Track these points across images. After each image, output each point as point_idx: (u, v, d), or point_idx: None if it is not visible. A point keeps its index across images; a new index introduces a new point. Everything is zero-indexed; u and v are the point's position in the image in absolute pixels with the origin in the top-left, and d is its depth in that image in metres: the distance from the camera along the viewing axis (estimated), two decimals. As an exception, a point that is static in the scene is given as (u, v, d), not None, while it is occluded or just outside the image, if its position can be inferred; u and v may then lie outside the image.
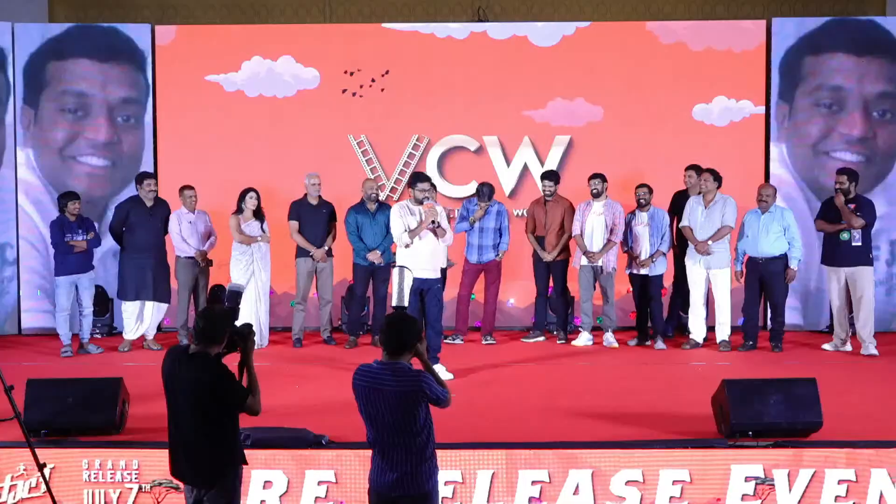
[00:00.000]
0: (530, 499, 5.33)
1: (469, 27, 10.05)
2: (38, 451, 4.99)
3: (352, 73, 9.94)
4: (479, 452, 5.41)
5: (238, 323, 4.30)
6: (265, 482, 5.38)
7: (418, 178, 7.64)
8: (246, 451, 4.41)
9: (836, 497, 5.33)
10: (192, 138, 10.02)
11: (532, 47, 9.99)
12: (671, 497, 5.34)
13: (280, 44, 10.04)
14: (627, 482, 5.35)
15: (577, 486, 5.34)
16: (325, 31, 10.22)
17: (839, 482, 5.32)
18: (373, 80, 9.94)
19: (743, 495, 5.33)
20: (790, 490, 5.33)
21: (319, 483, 5.36)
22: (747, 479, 5.33)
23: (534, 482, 5.34)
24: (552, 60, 9.95)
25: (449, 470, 5.26)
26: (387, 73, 9.93)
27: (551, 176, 9.14)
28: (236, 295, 4.43)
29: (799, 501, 5.33)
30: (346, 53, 10.01)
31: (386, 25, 10.12)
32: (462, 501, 5.34)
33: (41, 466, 4.96)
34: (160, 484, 5.38)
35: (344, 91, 9.96)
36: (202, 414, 4.10)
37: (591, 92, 9.99)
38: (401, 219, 7.50)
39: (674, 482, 5.34)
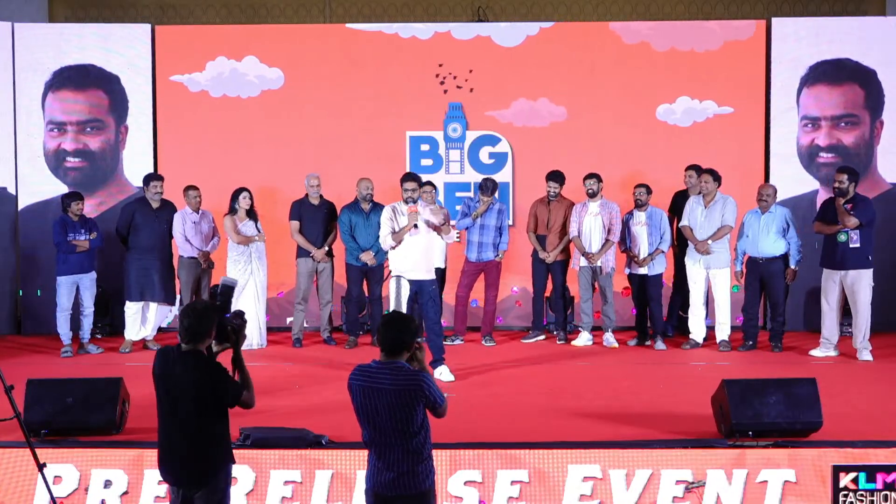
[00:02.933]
0: (674, 499, 5.34)
1: (433, 27, 10.05)
2: (38, 451, 4.99)
3: (442, 66, 9.98)
4: (480, 452, 5.42)
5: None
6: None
7: (405, 178, 7.61)
8: (246, 451, 4.42)
9: (674, 498, 5.32)
10: (190, 139, 10.02)
11: (496, 47, 10.00)
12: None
13: (244, 44, 10.02)
14: (633, 481, 5.35)
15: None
16: (290, 31, 10.18)
17: (677, 482, 5.33)
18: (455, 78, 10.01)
19: (581, 496, 5.33)
20: (627, 489, 5.34)
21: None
22: (585, 478, 5.35)
23: (678, 482, 5.36)
24: (516, 60, 9.97)
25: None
26: (470, 71, 9.97)
27: (556, 177, 9.12)
28: (229, 289, 4.41)
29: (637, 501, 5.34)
30: (311, 53, 10.00)
31: (350, 25, 10.13)
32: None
33: (41, 466, 4.97)
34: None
35: (444, 87, 9.97)
36: (197, 413, 4.10)
37: (555, 92, 9.99)
38: (389, 221, 7.50)
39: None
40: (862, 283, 8.21)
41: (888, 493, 5.26)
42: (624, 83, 9.92)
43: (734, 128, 9.89)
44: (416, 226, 7.40)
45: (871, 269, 8.26)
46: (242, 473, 5.33)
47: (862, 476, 5.27)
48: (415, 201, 7.50)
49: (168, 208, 9.04)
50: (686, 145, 9.80)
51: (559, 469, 5.35)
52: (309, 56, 10.02)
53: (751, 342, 8.69)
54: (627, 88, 9.92)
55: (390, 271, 7.70)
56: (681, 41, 9.91)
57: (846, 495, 5.27)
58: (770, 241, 8.53)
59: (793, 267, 8.58)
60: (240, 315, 4.34)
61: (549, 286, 9.32)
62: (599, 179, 8.93)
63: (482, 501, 5.35)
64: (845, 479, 5.27)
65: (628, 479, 5.34)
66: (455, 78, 9.97)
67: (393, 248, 7.51)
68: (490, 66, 9.98)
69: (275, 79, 10.03)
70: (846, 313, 8.52)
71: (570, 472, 5.35)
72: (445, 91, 10.00)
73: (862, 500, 5.26)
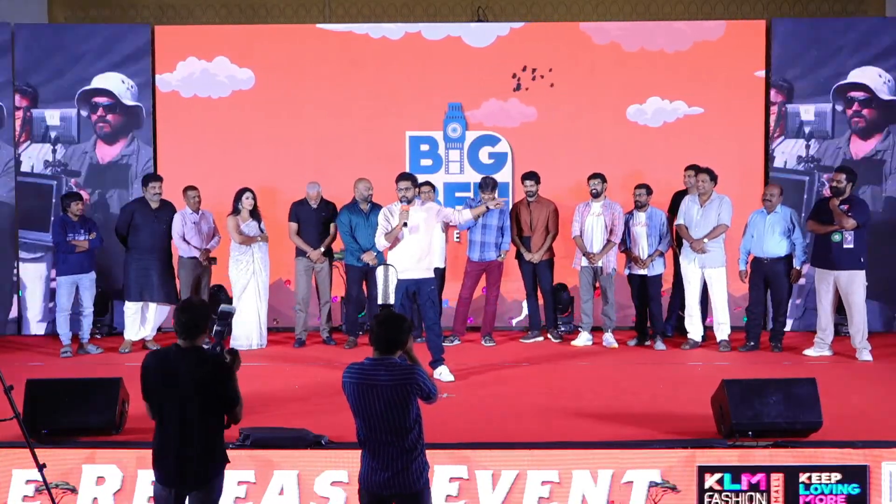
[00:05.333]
0: (539, 499, 5.33)
1: (403, 27, 10.04)
2: (37, 451, 5.00)
3: (522, 70, 9.97)
4: (479, 453, 5.42)
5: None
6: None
7: (400, 177, 7.59)
8: (246, 452, 4.41)
9: (540, 498, 5.32)
10: (189, 140, 10.01)
11: (466, 48, 9.99)
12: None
13: (214, 45, 10.00)
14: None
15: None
16: (260, 31, 10.17)
17: (542, 483, 5.32)
18: (542, 76, 9.97)
19: (447, 496, 5.33)
20: (493, 490, 5.32)
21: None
22: (451, 479, 5.35)
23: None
24: (486, 61, 9.96)
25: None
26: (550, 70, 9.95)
27: (532, 176, 9.14)
28: (227, 315, 4.42)
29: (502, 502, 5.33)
30: (282, 54, 9.97)
31: (321, 26, 10.12)
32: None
33: (41, 466, 4.97)
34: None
35: (516, 89, 9.96)
36: (203, 411, 4.11)
37: (525, 92, 9.99)
38: (385, 222, 7.49)
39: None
40: (855, 284, 8.18)
41: (753, 493, 5.28)
42: (594, 83, 9.93)
43: (733, 127, 9.86)
44: (406, 224, 7.39)
45: (864, 271, 8.22)
46: (242, 474, 5.35)
47: (727, 477, 5.28)
48: (409, 200, 7.49)
49: (167, 209, 9.04)
50: (684, 145, 9.78)
51: (690, 469, 5.34)
52: (305, 56, 9.99)
53: (752, 342, 8.66)
54: (597, 89, 9.92)
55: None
56: (650, 41, 9.91)
57: (711, 496, 5.27)
58: (775, 241, 8.50)
59: (797, 267, 8.55)
60: (225, 317, 4.34)
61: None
62: (604, 180, 8.92)
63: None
64: (710, 480, 5.28)
65: (494, 479, 5.33)
66: (534, 79, 9.94)
67: (389, 248, 7.51)
68: (460, 66, 9.98)
69: (245, 79, 10.00)
70: (842, 312, 8.50)
71: (575, 476, 5.32)
72: (516, 90, 9.96)
73: (727, 501, 5.27)
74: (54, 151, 9.91)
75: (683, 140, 9.83)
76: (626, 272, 9.01)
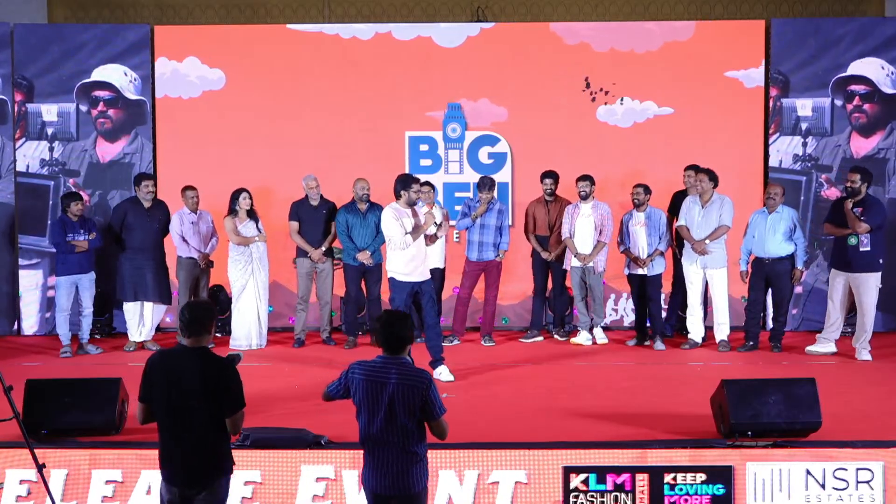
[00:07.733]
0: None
1: (374, 28, 10.04)
2: (37, 451, 5.00)
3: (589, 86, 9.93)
4: (480, 453, 5.41)
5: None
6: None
7: (411, 179, 7.56)
8: (246, 452, 4.41)
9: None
10: (188, 140, 9.99)
11: (436, 48, 9.98)
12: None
13: (185, 45, 9.96)
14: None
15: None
16: (232, 31, 10.14)
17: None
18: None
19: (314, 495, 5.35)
20: (359, 491, 5.26)
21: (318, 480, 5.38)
22: (318, 479, 5.35)
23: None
24: (456, 61, 9.95)
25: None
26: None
27: (551, 174, 9.14)
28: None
29: None
30: (254, 54, 9.94)
31: (291, 26, 10.10)
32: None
33: (41, 466, 4.97)
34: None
35: (593, 99, 9.89)
36: (209, 409, 4.10)
37: (496, 93, 9.99)
38: (397, 220, 7.40)
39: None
40: (868, 284, 8.18)
41: (618, 494, 5.27)
42: (566, 83, 9.90)
43: (640, 128, 9.86)
44: (439, 224, 7.49)
45: (880, 273, 8.20)
46: (243, 474, 5.34)
47: (592, 477, 5.28)
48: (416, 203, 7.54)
49: (160, 208, 9.03)
50: (685, 145, 9.76)
51: (555, 469, 5.33)
52: (250, 57, 9.95)
53: (752, 342, 8.67)
54: (570, 88, 9.90)
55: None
56: (620, 42, 9.89)
57: (577, 496, 5.27)
58: (777, 241, 8.48)
59: (799, 268, 8.54)
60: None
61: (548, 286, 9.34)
62: (592, 182, 8.92)
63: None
64: (576, 481, 5.28)
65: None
66: (604, 91, 9.89)
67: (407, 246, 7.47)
68: (431, 66, 9.96)
69: (216, 80, 9.98)
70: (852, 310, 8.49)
71: (441, 476, 5.30)
72: (593, 99, 9.91)
73: (592, 501, 5.27)
74: (51, 149, 9.87)
75: (680, 141, 9.79)
76: (626, 272, 9.01)
